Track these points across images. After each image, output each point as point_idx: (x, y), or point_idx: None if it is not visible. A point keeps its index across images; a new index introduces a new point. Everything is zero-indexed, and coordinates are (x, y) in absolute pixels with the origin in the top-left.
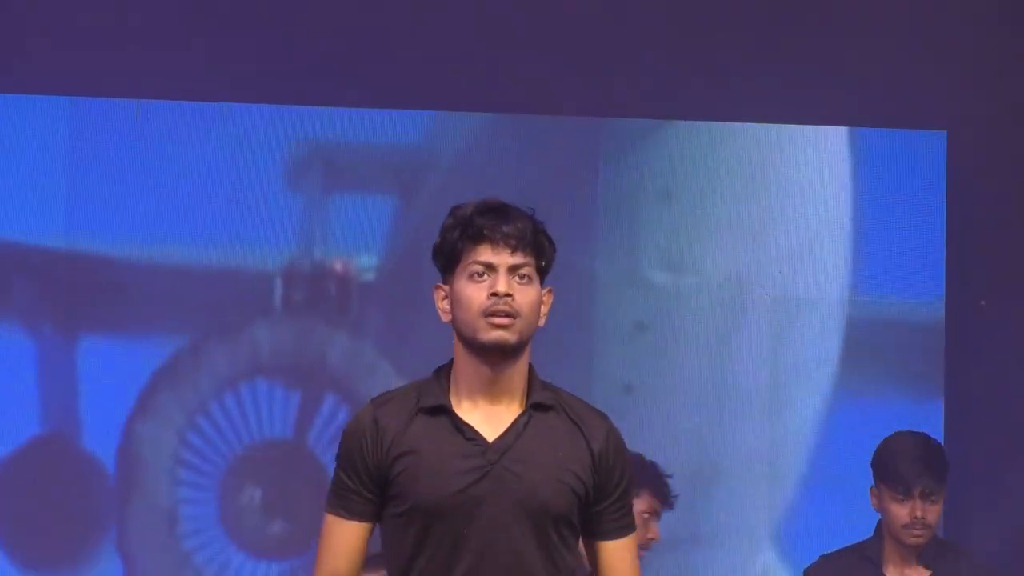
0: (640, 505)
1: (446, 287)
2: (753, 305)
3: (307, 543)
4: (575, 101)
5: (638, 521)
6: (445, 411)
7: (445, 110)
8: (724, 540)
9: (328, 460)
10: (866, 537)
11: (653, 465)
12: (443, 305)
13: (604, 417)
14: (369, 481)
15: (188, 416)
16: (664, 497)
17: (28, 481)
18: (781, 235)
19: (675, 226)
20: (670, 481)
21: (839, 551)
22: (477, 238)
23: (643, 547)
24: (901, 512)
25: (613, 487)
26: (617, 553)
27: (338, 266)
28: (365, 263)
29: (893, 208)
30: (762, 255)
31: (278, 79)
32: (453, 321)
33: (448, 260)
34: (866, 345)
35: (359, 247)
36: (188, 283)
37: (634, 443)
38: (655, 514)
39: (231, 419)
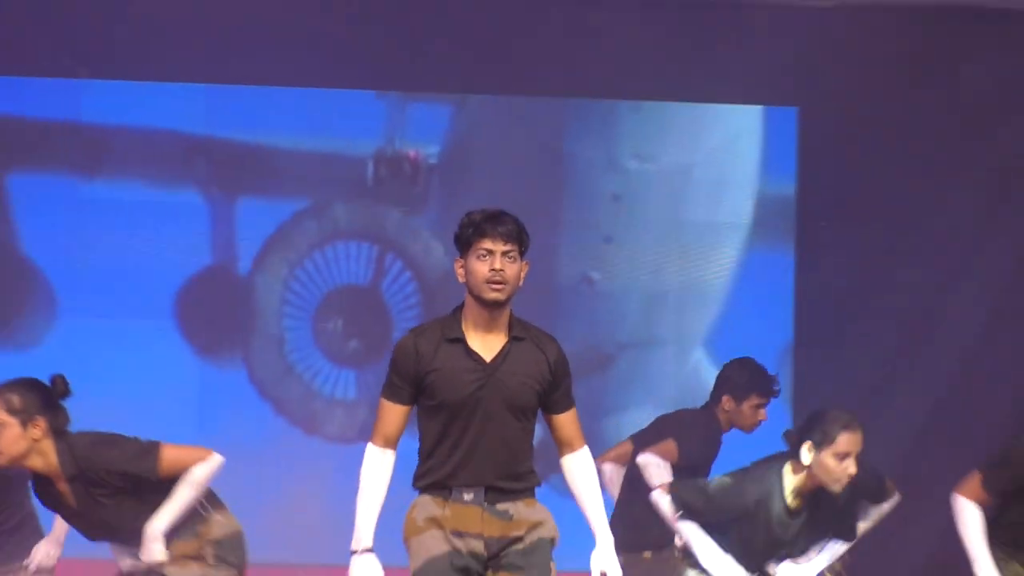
0: (753, 400)
1: (462, 261)
2: (696, 184)
3: (376, 355)
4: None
5: (750, 411)
6: (460, 341)
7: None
8: (667, 344)
9: (387, 300)
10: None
11: (762, 370)
12: (460, 272)
13: (554, 340)
14: (409, 382)
15: (290, 268)
16: (771, 392)
17: (202, 294)
18: (714, 139)
19: (642, 128)
20: (775, 376)
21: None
22: (483, 234)
23: (755, 426)
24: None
25: (560, 382)
26: (565, 419)
27: (412, 153)
28: (431, 151)
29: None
30: (700, 153)
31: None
32: (466, 283)
33: (465, 245)
34: (772, 214)
35: (426, 140)
36: (306, 162)
37: (616, 278)
38: (763, 404)
39: (320, 269)
